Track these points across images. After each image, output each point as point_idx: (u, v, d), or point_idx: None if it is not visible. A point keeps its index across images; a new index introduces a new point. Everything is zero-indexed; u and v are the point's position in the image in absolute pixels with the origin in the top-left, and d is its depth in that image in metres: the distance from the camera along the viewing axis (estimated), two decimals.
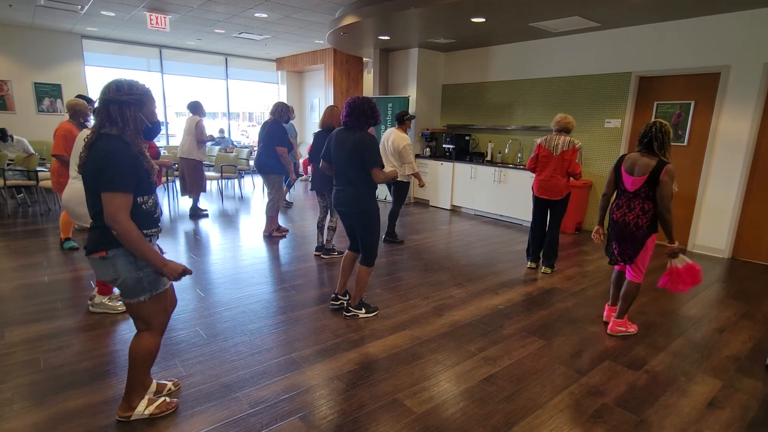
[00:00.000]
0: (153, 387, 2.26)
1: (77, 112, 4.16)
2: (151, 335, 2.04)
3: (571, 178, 4.25)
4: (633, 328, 3.20)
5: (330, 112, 4.55)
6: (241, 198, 8.07)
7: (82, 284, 3.73)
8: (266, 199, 5.32)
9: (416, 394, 2.37)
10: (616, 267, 3.28)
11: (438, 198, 7.78)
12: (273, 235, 5.45)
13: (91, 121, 4.40)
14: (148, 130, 1.92)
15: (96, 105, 1.82)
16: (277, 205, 5.33)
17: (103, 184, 1.74)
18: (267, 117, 5.39)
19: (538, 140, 4.28)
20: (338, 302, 3.43)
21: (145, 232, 1.89)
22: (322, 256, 4.71)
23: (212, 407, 2.20)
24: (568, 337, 3.10)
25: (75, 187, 3.20)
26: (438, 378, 2.54)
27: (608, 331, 3.18)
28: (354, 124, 3.01)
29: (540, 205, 4.39)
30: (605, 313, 3.39)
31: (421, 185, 5.08)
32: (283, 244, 5.16)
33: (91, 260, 1.91)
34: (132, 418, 2.08)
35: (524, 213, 6.48)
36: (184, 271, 1.90)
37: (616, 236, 3.06)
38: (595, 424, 2.17)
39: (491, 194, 6.90)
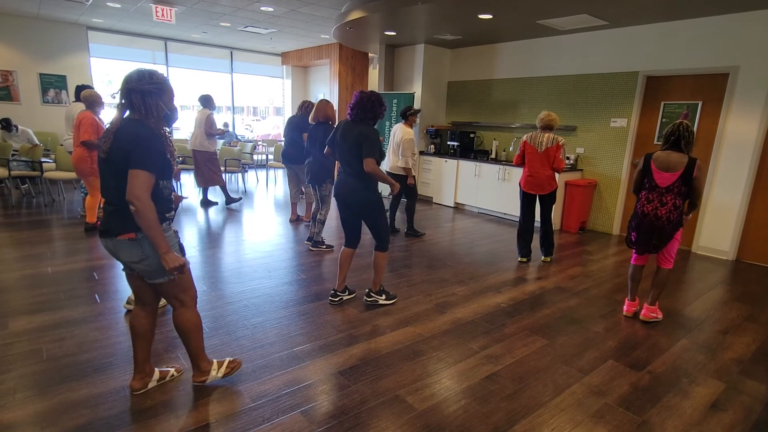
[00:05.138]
0: (156, 375, 2.28)
1: (93, 102, 4.40)
2: (188, 309, 2.12)
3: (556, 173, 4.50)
4: (661, 315, 3.41)
5: (317, 106, 4.68)
6: (245, 192, 8.08)
7: (86, 275, 3.74)
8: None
9: (418, 391, 2.37)
10: (633, 262, 3.43)
11: (441, 195, 7.76)
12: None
13: (103, 110, 4.60)
14: (167, 116, 1.98)
15: (117, 94, 1.91)
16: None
17: (132, 162, 1.79)
18: (296, 114, 5.53)
19: (524, 137, 4.50)
20: (337, 298, 3.45)
21: (166, 215, 1.99)
22: (310, 247, 4.80)
23: (214, 400, 2.21)
24: (570, 336, 3.09)
25: None
26: (440, 375, 2.54)
27: (641, 318, 3.37)
28: (357, 118, 3.13)
29: (528, 199, 4.61)
30: (625, 308, 3.49)
31: (410, 183, 5.18)
32: (286, 239, 5.16)
33: (115, 242, 1.92)
34: (207, 382, 2.28)
35: None
36: (182, 266, 1.92)
37: (644, 229, 3.21)
38: (597, 424, 2.17)
39: (495, 192, 6.87)
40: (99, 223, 4.70)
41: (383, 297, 3.44)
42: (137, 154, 1.79)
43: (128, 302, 3.17)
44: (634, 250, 3.37)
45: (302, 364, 2.58)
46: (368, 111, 3.10)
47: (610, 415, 2.25)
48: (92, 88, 4.82)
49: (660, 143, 5.53)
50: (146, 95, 1.85)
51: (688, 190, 3.06)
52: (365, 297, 3.47)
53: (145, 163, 1.80)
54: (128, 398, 2.19)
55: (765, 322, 3.48)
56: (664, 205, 3.10)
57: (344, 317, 3.21)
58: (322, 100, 4.68)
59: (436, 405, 2.26)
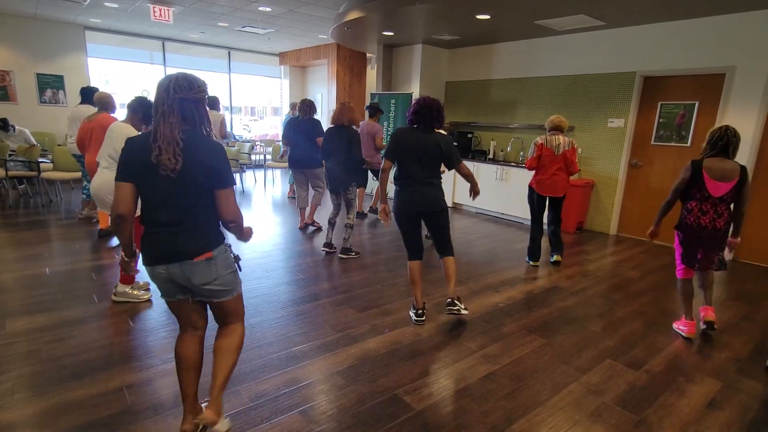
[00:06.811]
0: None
1: (108, 105, 4.46)
2: (242, 324, 2.03)
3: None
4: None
5: (341, 108, 4.52)
6: (243, 192, 8.07)
7: (84, 275, 3.73)
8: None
9: (416, 391, 2.38)
10: (683, 276, 3.17)
11: None
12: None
13: (115, 112, 4.57)
14: None
15: (164, 105, 1.69)
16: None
17: (221, 182, 1.73)
18: (306, 117, 5.23)
19: (539, 141, 4.39)
20: (423, 318, 3.21)
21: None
22: (340, 255, 4.56)
23: None
24: (568, 335, 3.10)
25: (105, 177, 3.23)
26: (438, 375, 2.54)
27: (713, 321, 3.13)
28: (421, 123, 3.09)
29: (542, 202, 4.56)
30: (687, 330, 3.17)
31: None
32: (284, 239, 5.16)
33: (187, 265, 1.73)
34: (208, 425, 1.87)
35: (526, 211, 6.41)
36: (250, 229, 1.97)
37: (705, 243, 3.02)
38: (595, 423, 2.18)
39: (493, 192, 6.88)
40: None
41: (463, 305, 3.23)
42: (225, 171, 1.74)
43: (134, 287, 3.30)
44: (683, 265, 3.13)
45: (300, 363, 2.58)
46: (435, 117, 3.07)
47: (607, 413, 2.26)
48: (98, 89, 4.85)
49: (658, 143, 5.63)
50: (199, 104, 1.75)
51: (738, 198, 2.93)
52: (459, 309, 3.15)
53: (232, 179, 1.77)
54: (127, 398, 2.19)
55: (761, 321, 3.50)
56: (721, 216, 2.95)
57: (342, 317, 3.22)
58: (346, 105, 4.53)
59: (434, 404, 2.27)
